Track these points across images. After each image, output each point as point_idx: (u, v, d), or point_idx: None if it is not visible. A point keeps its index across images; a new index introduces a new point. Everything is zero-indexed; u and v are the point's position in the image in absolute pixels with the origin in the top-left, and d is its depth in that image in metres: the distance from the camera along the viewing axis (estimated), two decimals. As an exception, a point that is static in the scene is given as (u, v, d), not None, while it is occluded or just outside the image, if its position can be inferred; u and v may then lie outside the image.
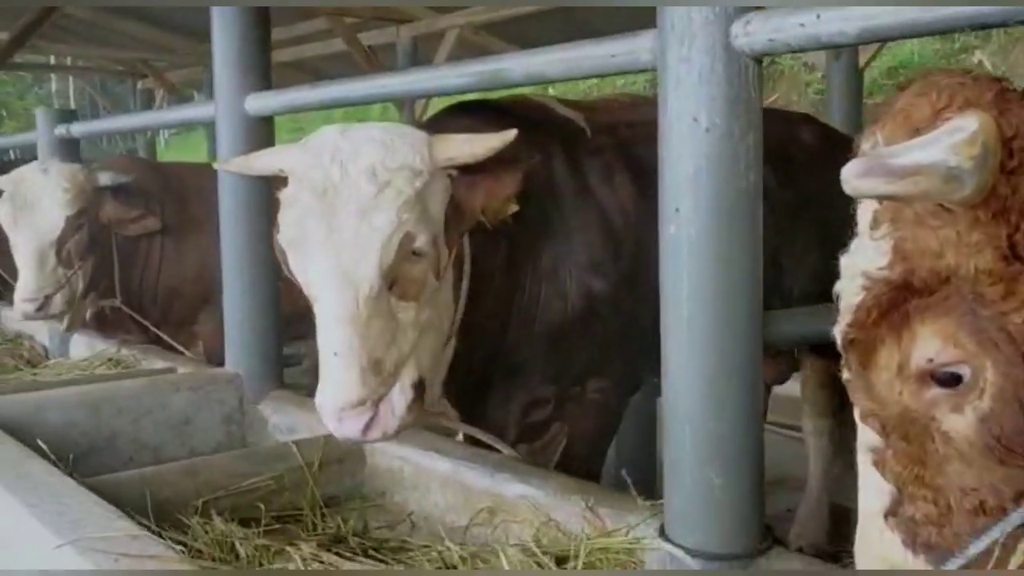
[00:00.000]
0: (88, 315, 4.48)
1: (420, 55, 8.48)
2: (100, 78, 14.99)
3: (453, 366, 2.50)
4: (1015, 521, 1.08)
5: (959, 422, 1.12)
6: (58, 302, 4.12)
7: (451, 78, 2.46)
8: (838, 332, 1.22)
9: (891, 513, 1.18)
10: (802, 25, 1.67)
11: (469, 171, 2.23)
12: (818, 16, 1.64)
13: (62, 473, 2.24)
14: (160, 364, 3.95)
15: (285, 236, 2.14)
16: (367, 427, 2.10)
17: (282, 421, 3.23)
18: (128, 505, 2.38)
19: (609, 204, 2.72)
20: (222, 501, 2.56)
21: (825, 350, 3.68)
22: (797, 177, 3.02)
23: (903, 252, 1.11)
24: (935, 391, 1.12)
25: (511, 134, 2.17)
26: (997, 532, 1.08)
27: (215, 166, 2.88)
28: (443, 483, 2.57)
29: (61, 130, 4.53)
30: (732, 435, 1.84)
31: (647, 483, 3.96)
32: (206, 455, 3.22)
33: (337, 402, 2.04)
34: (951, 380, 1.11)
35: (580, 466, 2.90)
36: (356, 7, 7.85)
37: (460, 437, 2.88)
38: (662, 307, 1.91)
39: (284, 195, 2.18)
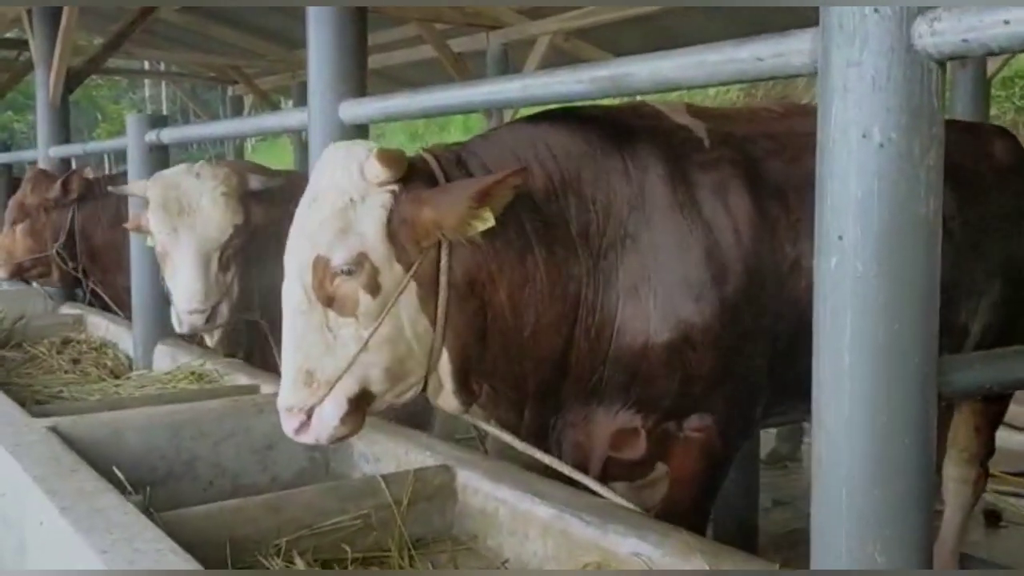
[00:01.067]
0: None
1: (511, 62, 8.30)
2: (191, 83, 15.19)
3: (495, 378, 2.47)
4: None
5: None
6: (224, 311, 3.97)
7: (568, 84, 2.22)
8: None
9: None
10: (1007, 23, 1.39)
11: (417, 186, 2.24)
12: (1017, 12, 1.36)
13: (138, 511, 2.06)
14: (244, 380, 3.79)
15: None
16: (299, 430, 2.31)
17: (368, 450, 3.02)
18: (206, 542, 2.21)
19: (717, 222, 2.47)
20: (305, 540, 2.37)
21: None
22: (984, 198, 2.77)
23: None
24: None
25: (398, 153, 2.24)
26: None
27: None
28: (544, 530, 2.32)
29: (151, 136, 4.44)
30: (901, 505, 1.56)
31: (746, 531, 3.71)
32: (287, 482, 3.06)
33: (278, 405, 2.32)
34: None
35: (681, 515, 2.65)
36: (448, 14, 7.70)
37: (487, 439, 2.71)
38: (815, 352, 1.64)
39: None
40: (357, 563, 2.37)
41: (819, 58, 1.61)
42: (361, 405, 2.30)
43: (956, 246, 2.70)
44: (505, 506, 2.46)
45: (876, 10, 1.50)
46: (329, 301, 2.23)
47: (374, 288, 2.21)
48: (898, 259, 1.53)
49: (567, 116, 2.59)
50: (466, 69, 8.36)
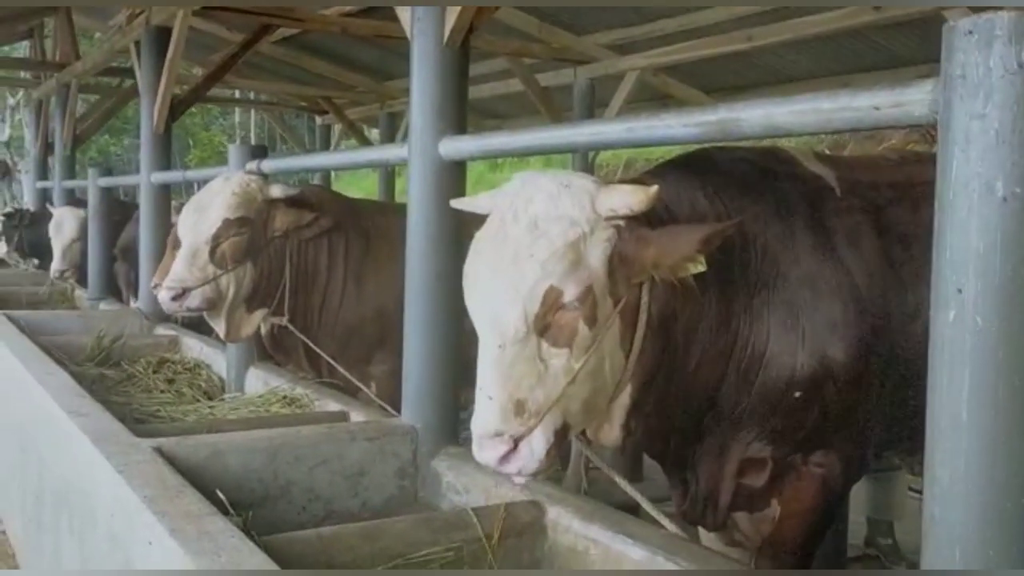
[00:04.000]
0: (263, 331, 4.47)
1: (597, 97, 8.35)
2: (280, 112, 15.60)
3: (654, 415, 2.48)
4: None
5: None
6: (196, 297, 4.11)
7: (674, 127, 2.23)
8: None
9: None
10: None
11: (642, 225, 2.21)
12: None
13: (244, 536, 2.11)
14: (334, 406, 3.87)
15: (464, 276, 2.29)
16: (504, 459, 2.16)
17: (457, 480, 3.06)
18: (306, 566, 2.26)
19: (855, 267, 2.56)
20: (398, 569, 2.40)
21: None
22: None
23: None
24: None
25: (652, 190, 2.16)
26: None
27: (453, 204, 2.77)
28: (634, 573, 2.32)
29: (252, 166, 4.58)
30: (1013, 566, 1.52)
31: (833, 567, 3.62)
32: (376, 508, 3.11)
33: (477, 430, 2.17)
34: None
35: (791, 549, 2.71)
36: (536, 49, 7.78)
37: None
38: (930, 406, 1.61)
39: (475, 236, 2.29)
40: (448, 595, 2.39)
41: (940, 109, 1.60)
42: (561, 439, 2.22)
43: None
44: (597, 546, 2.46)
45: (1002, 59, 1.49)
46: (544, 330, 2.17)
47: (592, 320, 2.18)
48: (1020, 314, 1.51)
49: (719, 159, 2.68)
50: (553, 103, 8.43)
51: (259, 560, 1.99)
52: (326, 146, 13.45)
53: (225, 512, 2.45)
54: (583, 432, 2.42)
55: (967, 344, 1.54)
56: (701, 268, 2.18)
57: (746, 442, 2.63)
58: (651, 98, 9.13)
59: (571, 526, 2.55)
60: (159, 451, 2.78)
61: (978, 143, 1.52)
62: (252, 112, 28.07)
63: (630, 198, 2.15)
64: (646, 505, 2.56)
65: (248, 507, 2.81)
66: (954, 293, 1.55)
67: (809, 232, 2.55)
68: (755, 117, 2.02)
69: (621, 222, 2.19)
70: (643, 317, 2.27)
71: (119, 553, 2.45)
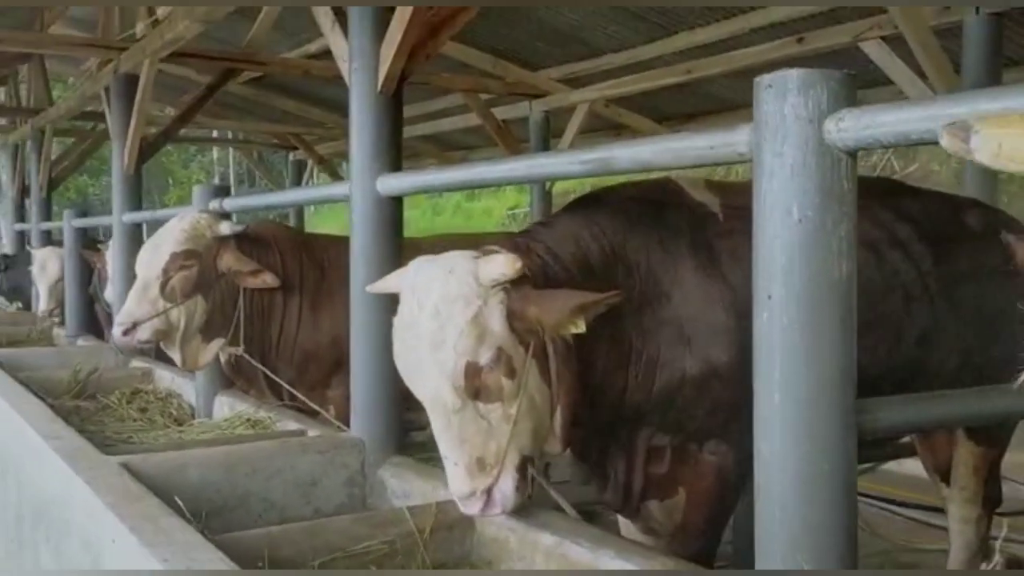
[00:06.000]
0: (221, 361, 4.77)
1: (553, 127, 8.74)
2: (256, 150, 15.96)
3: (579, 425, 2.81)
4: None
5: None
6: (146, 330, 4.39)
7: (566, 165, 2.59)
8: None
9: None
10: (893, 123, 1.72)
11: (526, 284, 2.57)
12: (907, 114, 1.69)
13: (195, 530, 2.42)
14: (293, 426, 4.17)
15: (396, 361, 2.66)
16: (485, 509, 2.61)
17: (399, 487, 3.36)
18: (253, 561, 2.56)
19: (736, 281, 2.88)
20: (338, 562, 2.70)
21: (981, 435, 3.73)
22: (955, 258, 3.18)
23: None
24: None
25: (518, 263, 2.51)
26: None
27: (368, 289, 3.15)
28: (547, 555, 2.63)
29: (215, 204, 4.90)
30: (823, 521, 1.85)
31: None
32: (329, 515, 3.40)
33: (455, 493, 2.60)
34: None
35: (695, 533, 3.05)
36: (491, 84, 8.17)
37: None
38: (755, 392, 1.95)
39: (394, 323, 2.66)
40: (384, 583, 2.70)
41: (754, 148, 1.94)
42: (524, 470, 2.64)
43: (931, 295, 3.06)
44: (515, 534, 2.77)
45: (793, 109, 1.84)
46: (476, 394, 2.53)
47: (511, 372, 2.54)
48: (816, 314, 1.84)
49: (611, 197, 3.06)
50: (510, 135, 8.81)
51: (208, 552, 2.29)
52: (299, 181, 13.80)
53: (184, 518, 2.75)
54: None
55: (777, 340, 1.88)
56: (581, 330, 2.51)
57: (649, 435, 3.00)
58: (605, 128, 9.55)
59: (495, 520, 2.85)
60: (125, 466, 3.08)
61: (779, 176, 1.87)
62: (230, 149, 28.45)
63: (503, 268, 2.52)
64: (558, 498, 2.89)
65: (207, 515, 3.11)
66: (765, 299, 1.89)
67: (692, 254, 2.90)
68: (626, 155, 2.37)
69: (507, 284, 2.54)
70: (551, 350, 2.64)
71: (89, 555, 2.74)
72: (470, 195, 22.98)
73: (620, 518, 3.31)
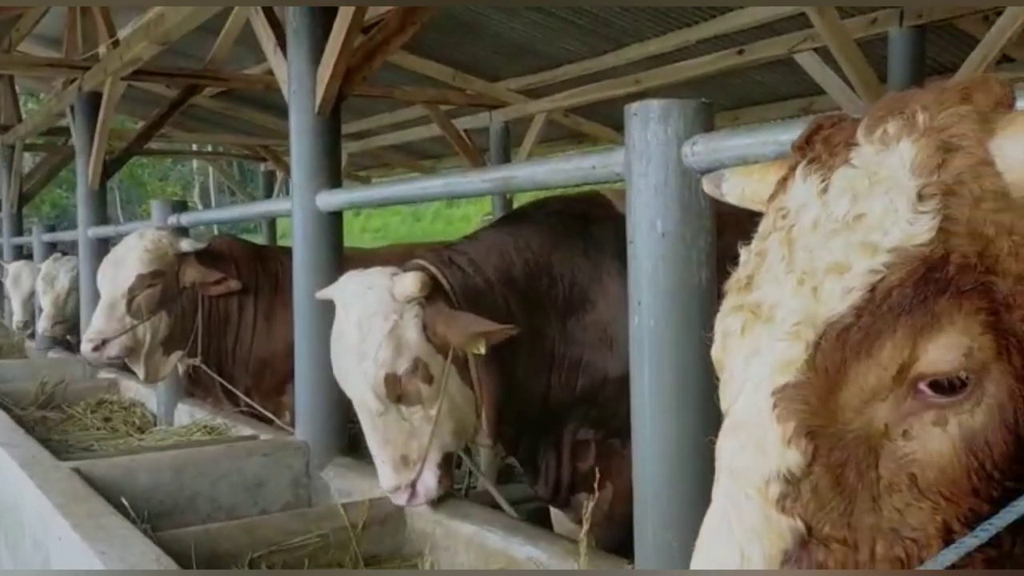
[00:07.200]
0: (180, 372, 4.95)
1: (513, 136, 8.95)
2: (229, 160, 16.11)
3: (506, 422, 3.04)
4: (944, 562, 0.88)
5: (936, 439, 0.90)
6: (115, 347, 4.60)
7: (476, 183, 2.80)
8: (815, 318, 0.92)
9: (791, 558, 0.92)
10: (735, 147, 1.93)
11: (440, 299, 2.82)
12: (745, 140, 1.90)
13: (133, 527, 2.61)
14: (247, 431, 4.36)
15: (333, 368, 2.94)
16: (410, 500, 2.90)
17: (342, 486, 3.56)
18: (194, 556, 2.75)
19: None
20: (274, 556, 2.90)
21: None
22: None
23: (951, 231, 0.89)
24: (922, 398, 0.90)
25: (422, 280, 2.77)
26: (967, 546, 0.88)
27: (316, 295, 3.37)
28: (467, 545, 2.84)
29: (173, 219, 5.09)
30: (689, 503, 2.06)
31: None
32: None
33: (384, 487, 2.90)
34: (951, 387, 0.90)
35: (620, 523, 3.21)
36: (452, 96, 8.37)
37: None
38: (631, 386, 2.16)
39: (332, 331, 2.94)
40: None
41: (625, 170, 2.16)
42: (447, 464, 2.91)
43: None
44: (441, 526, 2.98)
45: (655, 135, 2.06)
46: (398, 399, 2.79)
47: (428, 378, 2.80)
48: (680, 317, 2.06)
49: (540, 211, 3.28)
50: (471, 144, 9.00)
51: (144, 545, 2.48)
52: (270, 191, 13.96)
53: (131, 519, 2.94)
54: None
55: (646, 340, 2.09)
56: (481, 352, 2.73)
57: (575, 430, 3.21)
58: (565, 136, 9.77)
59: (424, 514, 3.06)
60: (77, 471, 3.26)
61: (644, 194, 2.08)
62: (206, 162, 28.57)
63: (411, 286, 2.76)
64: (494, 492, 3.12)
65: (157, 516, 3.30)
66: (636, 304, 2.11)
67: (617, 263, 3.05)
68: (524, 174, 2.58)
69: (422, 299, 2.78)
70: (470, 357, 2.86)
71: (40, 553, 2.93)
72: (449, 202, 23.22)
73: (552, 510, 3.52)
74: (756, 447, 0.94)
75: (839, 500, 0.92)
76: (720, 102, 7.79)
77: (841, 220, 0.92)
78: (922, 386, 0.90)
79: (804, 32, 5.84)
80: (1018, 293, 0.90)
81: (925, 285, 0.89)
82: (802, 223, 0.96)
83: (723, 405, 1.02)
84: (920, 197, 0.90)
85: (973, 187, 0.90)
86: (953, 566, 0.88)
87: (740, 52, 6.35)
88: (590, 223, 3.21)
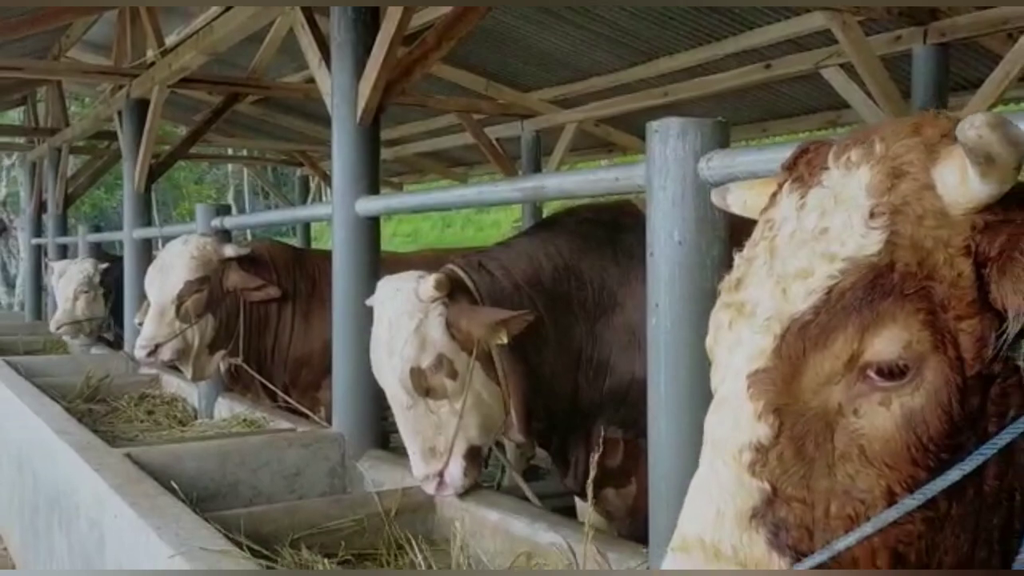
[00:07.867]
0: (222, 370, 5.19)
1: (544, 145, 9.14)
2: (265, 165, 16.44)
3: (536, 418, 3.21)
4: (887, 519, 1.04)
5: (880, 417, 1.07)
6: (167, 351, 4.84)
7: (506, 192, 2.99)
8: (782, 314, 1.11)
9: (759, 514, 1.09)
10: (747, 163, 2.10)
11: (462, 299, 3.02)
12: (756, 156, 2.07)
13: (186, 507, 2.81)
14: (284, 424, 4.57)
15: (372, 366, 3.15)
16: (438, 489, 3.12)
17: (375, 476, 3.75)
18: (235, 537, 2.94)
19: None
20: (313, 538, 3.09)
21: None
22: None
23: (896, 244, 1.06)
24: (870, 382, 1.07)
25: (440, 280, 2.98)
26: (869, 528, 1.05)
27: (366, 303, 3.47)
28: (493, 531, 3.02)
29: (216, 223, 5.32)
30: (701, 493, 2.22)
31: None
32: (312, 503, 3.78)
33: (415, 475, 3.14)
34: (893, 373, 1.06)
35: (644, 519, 3.38)
36: (484, 105, 8.58)
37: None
38: (648, 382, 2.33)
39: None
40: (353, 556, 3.09)
41: (646, 183, 2.33)
42: (474, 457, 3.10)
43: None
44: (468, 514, 3.16)
45: (673, 151, 2.23)
46: (426, 393, 2.99)
47: (452, 374, 3.00)
48: (694, 319, 2.23)
49: (571, 218, 3.45)
50: (503, 153, 9.20)
51: (195, 523, 2.68)
52: (305, 195, 14.25)
53: (179, 498, 3.14)
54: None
55: (662, 341, 2.26)
56: (504, 342, 2.92)
57: (604, 428, 3.35)
58: (595, 146, 9.94)
59: (453, 502, 3.24)
60: (129, 456, 3.48)
61: (663, 205, 2.25)
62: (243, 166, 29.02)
63: (432, 287, 2.96)
64: (521, 483, 3.31)
65: (202, 500, 3.50)
66: (654, 307, 2.28)
67: (645, 268, 3.26)
68: (553, 184, 2.77)
69: (445, 299, 2.97)
70: (496, 354, 3.04)
71: (95, 532, 3.14)
72: (480, 209, 23.49)
73: (578, 501, 3.69)
74: (733, 422, 1.15)
75: (800, 466, 1.10)
76: (748, 114, 7.95)
77: (810, 232, 1.11)
78: (870, 372, 1.07)
79: (830, 48, 5.97)
80: (952, 296, 1.06)
81: (873, 289, 1.06)
82: (783, 233, 1.14)
83: (712, 387, 1.21)
84: (872, 215, 1.09)
85: (916, 207, 1.08)
86: (895, 523, 1.05)
87: (767, 66, 6.50)
88: (620, 230, 3.39)
